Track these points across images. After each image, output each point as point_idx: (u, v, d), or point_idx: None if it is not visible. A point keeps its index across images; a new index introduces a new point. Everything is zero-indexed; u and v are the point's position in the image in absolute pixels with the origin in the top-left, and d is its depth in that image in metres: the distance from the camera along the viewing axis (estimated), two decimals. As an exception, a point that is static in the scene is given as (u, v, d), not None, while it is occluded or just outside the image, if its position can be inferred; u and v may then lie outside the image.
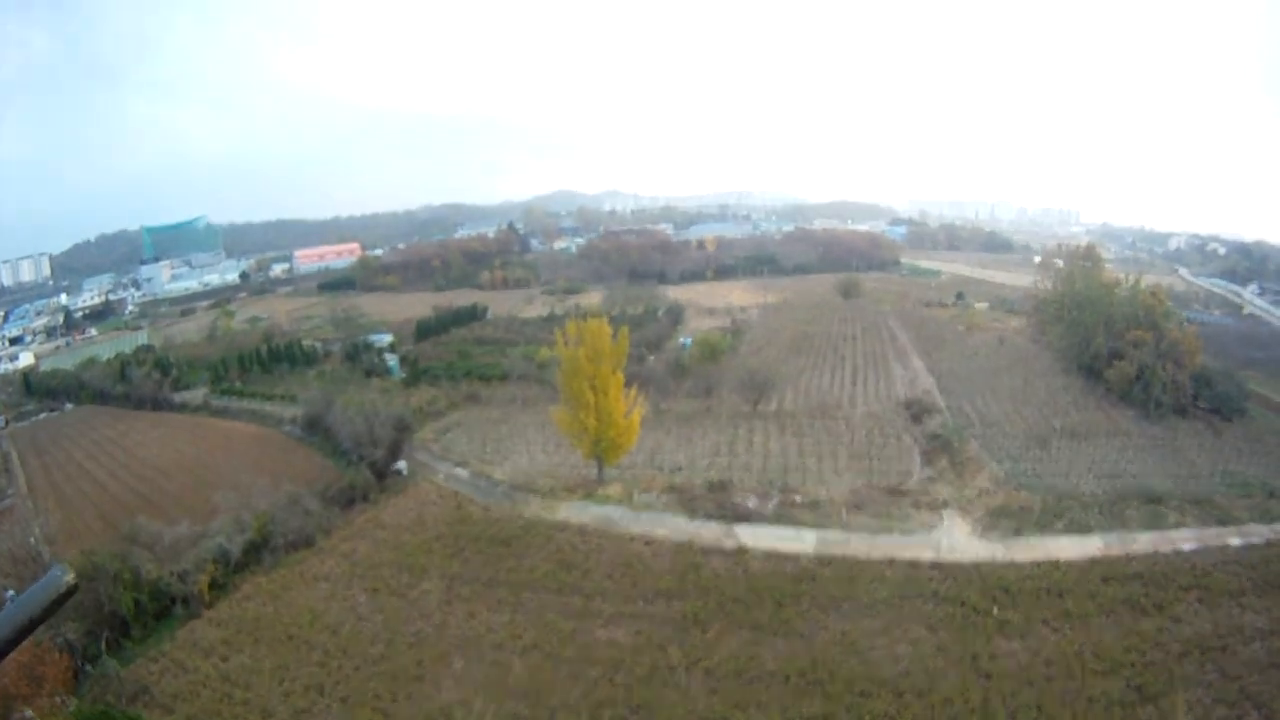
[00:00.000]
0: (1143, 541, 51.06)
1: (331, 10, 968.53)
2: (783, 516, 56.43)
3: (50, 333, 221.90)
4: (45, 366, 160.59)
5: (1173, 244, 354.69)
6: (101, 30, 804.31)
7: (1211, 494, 59.27)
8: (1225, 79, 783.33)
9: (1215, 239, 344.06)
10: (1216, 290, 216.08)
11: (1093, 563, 47.99)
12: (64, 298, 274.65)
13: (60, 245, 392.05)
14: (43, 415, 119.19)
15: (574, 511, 59.71)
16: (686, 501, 59.32)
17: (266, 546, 55.88)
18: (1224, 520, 54.68)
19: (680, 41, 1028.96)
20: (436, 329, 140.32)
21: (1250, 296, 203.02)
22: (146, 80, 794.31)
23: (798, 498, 59.52)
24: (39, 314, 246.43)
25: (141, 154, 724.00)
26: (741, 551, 51.19)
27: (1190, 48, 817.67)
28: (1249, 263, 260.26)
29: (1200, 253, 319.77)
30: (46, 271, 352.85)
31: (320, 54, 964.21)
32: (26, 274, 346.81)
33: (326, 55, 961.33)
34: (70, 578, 5.35)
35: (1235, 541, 51.35)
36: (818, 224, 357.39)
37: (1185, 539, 51.56)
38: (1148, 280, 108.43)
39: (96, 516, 67.65)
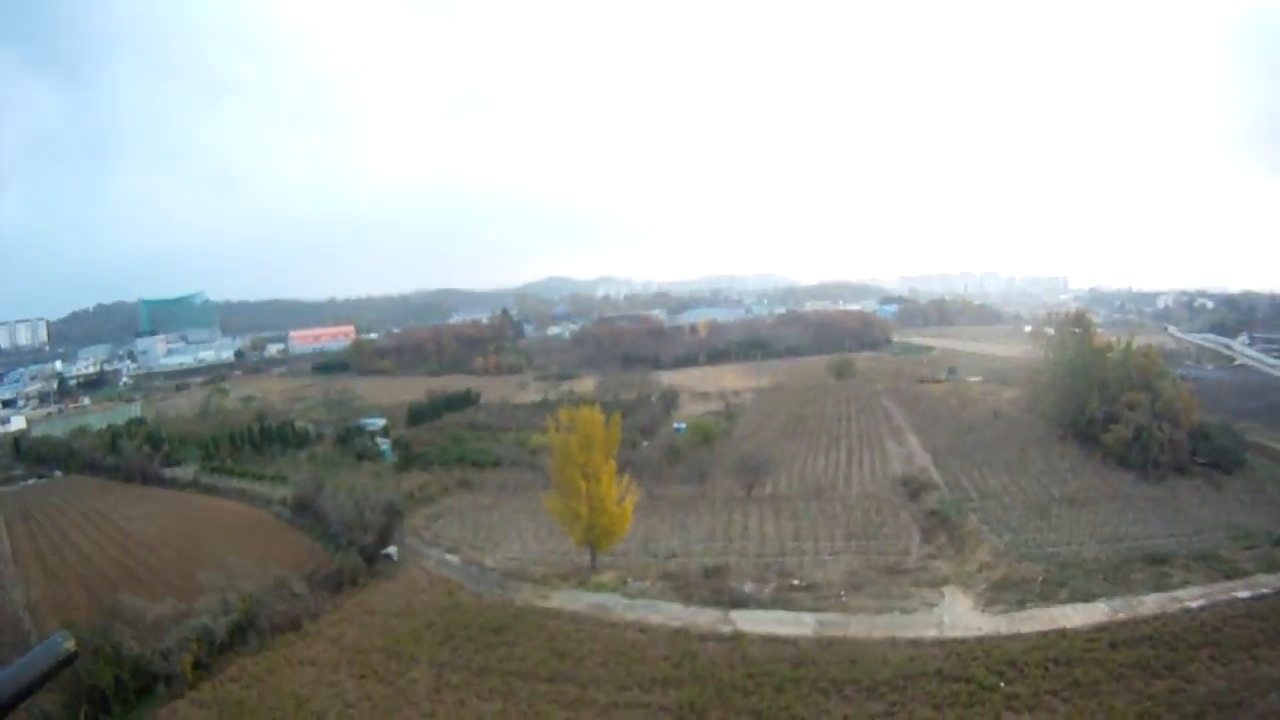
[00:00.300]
0: (1149, 603, 49.76)
1: (329, 94, 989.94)
2: (780, 600, 54.94)
3: (44, 398, 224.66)
4: (37, 432, 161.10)
5: (1161, 303, 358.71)
6: (108, 103, 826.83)
7: (1216, 549, 58.35)
8: (1202, 138, 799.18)
9: (1203, 294, 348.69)
10: (1207, 345, 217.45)
11: (1100, 629, 46.56)
12: (59, 364, 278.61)
13: (58, 312, 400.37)
14: (31, 481, 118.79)
15: (567, 599, 58.20)
16: (681, 588, 57.77)
17: (252, 628, 54.19)
18: (1230, 574, 53.74)
19: (671, 128, 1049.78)
20: (429, 414, 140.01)
21: (1241, 348, 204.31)
22: (149, 154, 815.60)
23: (795, 580, 58.12)
24: (33, 379, 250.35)
25: (142, 226, 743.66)
26: (739, 637, 49.57)
27: (1167, 110, 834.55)
28: (1237, 314, 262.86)
29: (1189, 309, 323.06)
30: (43, 337, 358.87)
31: (319, 137, 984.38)
32: (24, 338, 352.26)
33: (325, 139, 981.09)
34: (71, 645, 5.10)
35: (1244, 594, 50.31)
36: (809, 306, 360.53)
37: (1193, 596, 50.35)
38: (1139, 341, 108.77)
39: (81, 588, 66.28)
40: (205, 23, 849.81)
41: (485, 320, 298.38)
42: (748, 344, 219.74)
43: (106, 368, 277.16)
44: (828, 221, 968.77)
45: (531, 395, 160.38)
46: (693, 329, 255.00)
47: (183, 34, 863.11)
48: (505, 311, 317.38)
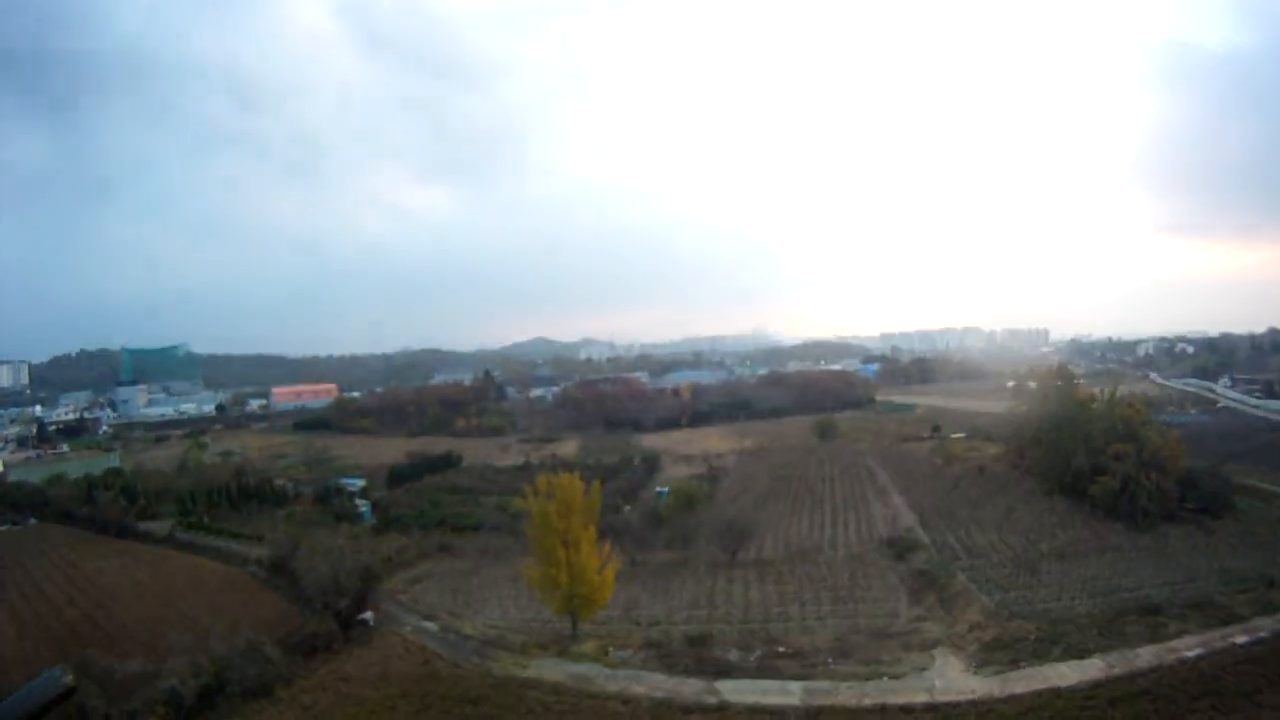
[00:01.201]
0: (1146, 656, 48.59)
1: (320, 150, 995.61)
2: (766, 668, 53.25)
3: (22, 442, 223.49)
4: (13, 476, 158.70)
5: (1142, 350, 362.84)
6: (98, 147, 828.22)
7: (1210, 595, 57.54)
8: (1174, 184, 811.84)
9: (1182, 339, 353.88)
10: (1190, 389, 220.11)
11: (1096, 686, 45.32)
12: (39, 409, 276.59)
13: (41, 355, 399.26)
14: (5, 527, 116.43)
15: (547, 669, 56.18)
16: (665, 657, 56.06)
17: (222, 692, 52.14)
18: (1226, 620, 52.92)
19: (651, 194, 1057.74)
20: (410, 475, 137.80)
21: (1223, 390, 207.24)
22: (138, 201, 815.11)
23: (781, 648, 56.54)
24: (13, 422, 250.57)
25: (128, 273, 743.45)
26: (724, 708, 47.82)
27: (1141, 159, 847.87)
28: (1218, 357, 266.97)
29: (1169, 355, 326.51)
30: (25, 380, 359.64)
31: (308, 192, 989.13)
32: (5, 379, 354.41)
33: (314, 194, 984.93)
34: (69, 679, 5.32)
35: (1241, 639, 49.48)
36: (791, 366, 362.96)
37: (1189, 646, 49.37)
38: (1122, 390, 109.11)
39: (50, 641, 64.42)
40: (199, 71, 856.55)
41: (468, 381, 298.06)
42: (730, 406, 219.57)
43: (86, 415, 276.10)
44: (809, 280, 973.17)
45: (513, 458, 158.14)
46: (675, 391, 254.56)
47: (176, 80, 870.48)
48: (488, 373, 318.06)
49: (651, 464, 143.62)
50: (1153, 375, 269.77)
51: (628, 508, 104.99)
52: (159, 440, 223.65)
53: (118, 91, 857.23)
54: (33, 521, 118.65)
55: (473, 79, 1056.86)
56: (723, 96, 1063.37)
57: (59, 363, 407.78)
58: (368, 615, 67.49)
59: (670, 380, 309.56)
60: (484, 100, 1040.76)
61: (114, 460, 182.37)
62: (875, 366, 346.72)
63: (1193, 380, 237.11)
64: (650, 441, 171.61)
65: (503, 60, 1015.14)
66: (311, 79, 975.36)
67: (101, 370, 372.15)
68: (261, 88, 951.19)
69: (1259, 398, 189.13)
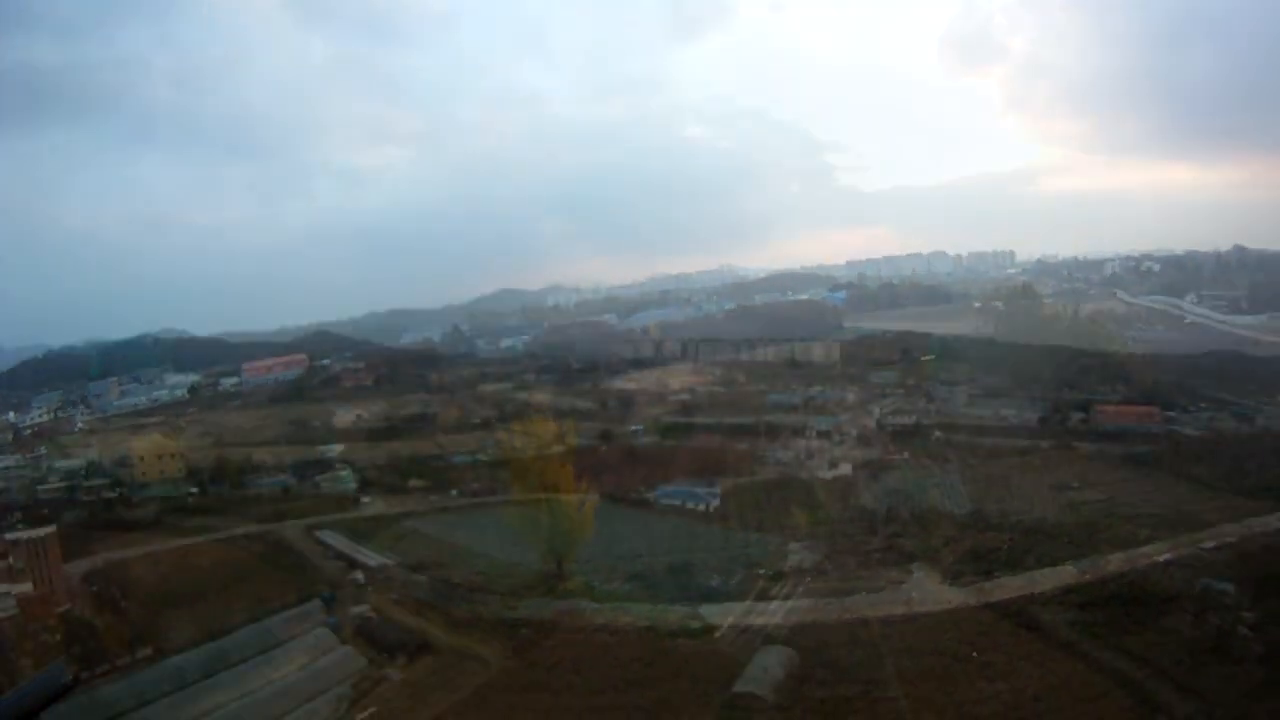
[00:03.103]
0: (1116, 561, 50.04)
1: (264, 124, 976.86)
2: (748, 590, 54.38)
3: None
4: None
5: (1109, 269, 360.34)
6: (34, 144, 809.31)
7: (1178, 503, 58.67)
8: (1136, 105, 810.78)
9: (1149, 257, 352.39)
10: (1157, 306, 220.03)
11: (1068, 591, 46.73)
12: (12, 416, 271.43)
13: (6, 362, 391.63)
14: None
15: (535, 608, 57.01)
16: (649, 587, 57.19)
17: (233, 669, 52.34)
18: (1195, 526, 54.27)
19: (605, 128, 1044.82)
20: (387, 436, 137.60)
21: (1190, 307, 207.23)
22: (83, 195, 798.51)
23: (762, 570, 57.62)
24: None
25: (85, 268, 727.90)
26: (708, 630, 48.96)
27: (1100, 74, 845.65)
28: (1184, 274, 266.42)
29: (1135, 273, 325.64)
30: None
31: (257, 167, 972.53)
32: None
33: (263, 168, 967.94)
34: (69, 676, 5.68)
35: (1210, 544, 50.86)
36: (758, 299, 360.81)
37: (1159, 551, 50.68)
38: (1088, 308, 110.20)
39: (52, 646, 62.63)
40: (132, 57, 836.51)
41: (437, 339, 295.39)
42: (700, 341, 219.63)
43: (60, 415, 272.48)
44: (773, 211, 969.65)
45: (488, 409, 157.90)
46: (644, 331, 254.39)
47: (109, 69, 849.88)
48: (456, 328, 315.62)
49: (625, 404, 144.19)
50: (1120, 293, 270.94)
51: (604, 448, 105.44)
52: (136, 430, 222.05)
53: (51, 87, 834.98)
54: (21, 528, 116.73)
55: (417, 34, 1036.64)
56: (676, 21, 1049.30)
57: (26, 367, 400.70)
58: (358, 575, 68.05)
59: (639, 320, 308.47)
60: (431, 55, 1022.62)
61: (94, 456, 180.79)
62: (843, 294, 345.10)
63: (1160, 297, 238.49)
64: (623, 382, 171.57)
65: (449, 12, 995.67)
66: (248, 53, 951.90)
67: (70, 369, 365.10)
68: (198, 67, 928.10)
69: (1225, 313, 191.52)
